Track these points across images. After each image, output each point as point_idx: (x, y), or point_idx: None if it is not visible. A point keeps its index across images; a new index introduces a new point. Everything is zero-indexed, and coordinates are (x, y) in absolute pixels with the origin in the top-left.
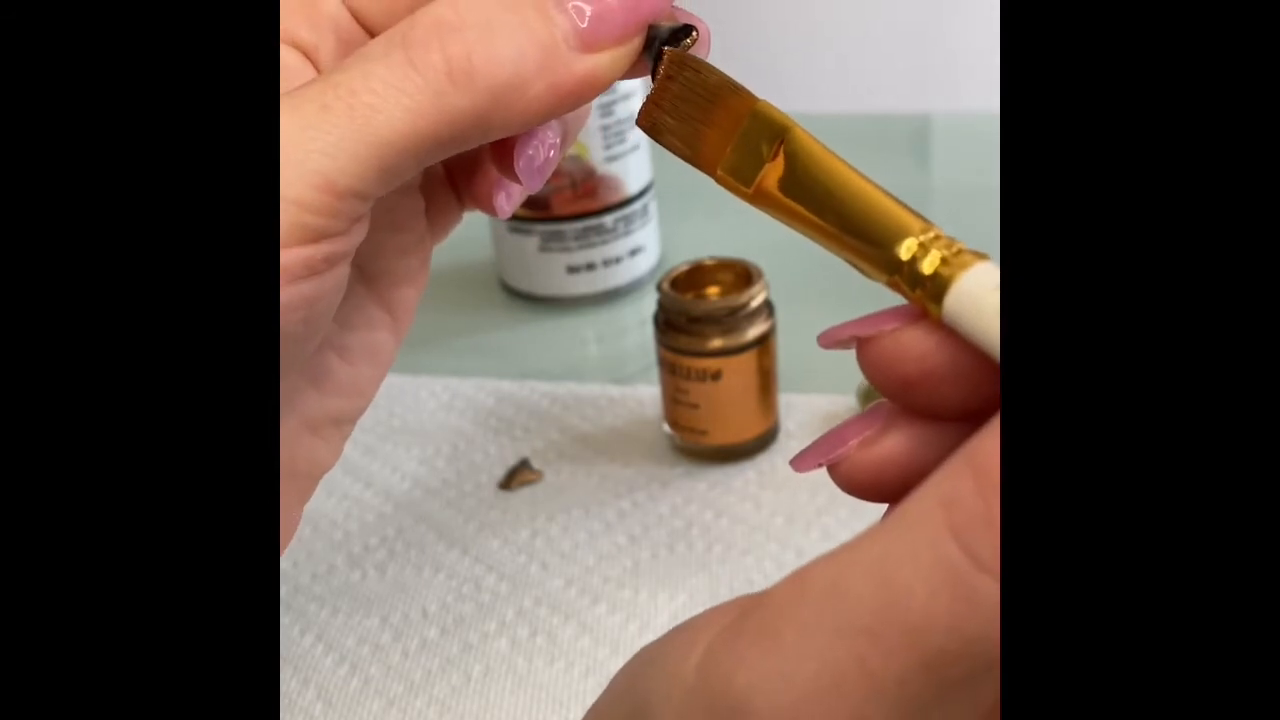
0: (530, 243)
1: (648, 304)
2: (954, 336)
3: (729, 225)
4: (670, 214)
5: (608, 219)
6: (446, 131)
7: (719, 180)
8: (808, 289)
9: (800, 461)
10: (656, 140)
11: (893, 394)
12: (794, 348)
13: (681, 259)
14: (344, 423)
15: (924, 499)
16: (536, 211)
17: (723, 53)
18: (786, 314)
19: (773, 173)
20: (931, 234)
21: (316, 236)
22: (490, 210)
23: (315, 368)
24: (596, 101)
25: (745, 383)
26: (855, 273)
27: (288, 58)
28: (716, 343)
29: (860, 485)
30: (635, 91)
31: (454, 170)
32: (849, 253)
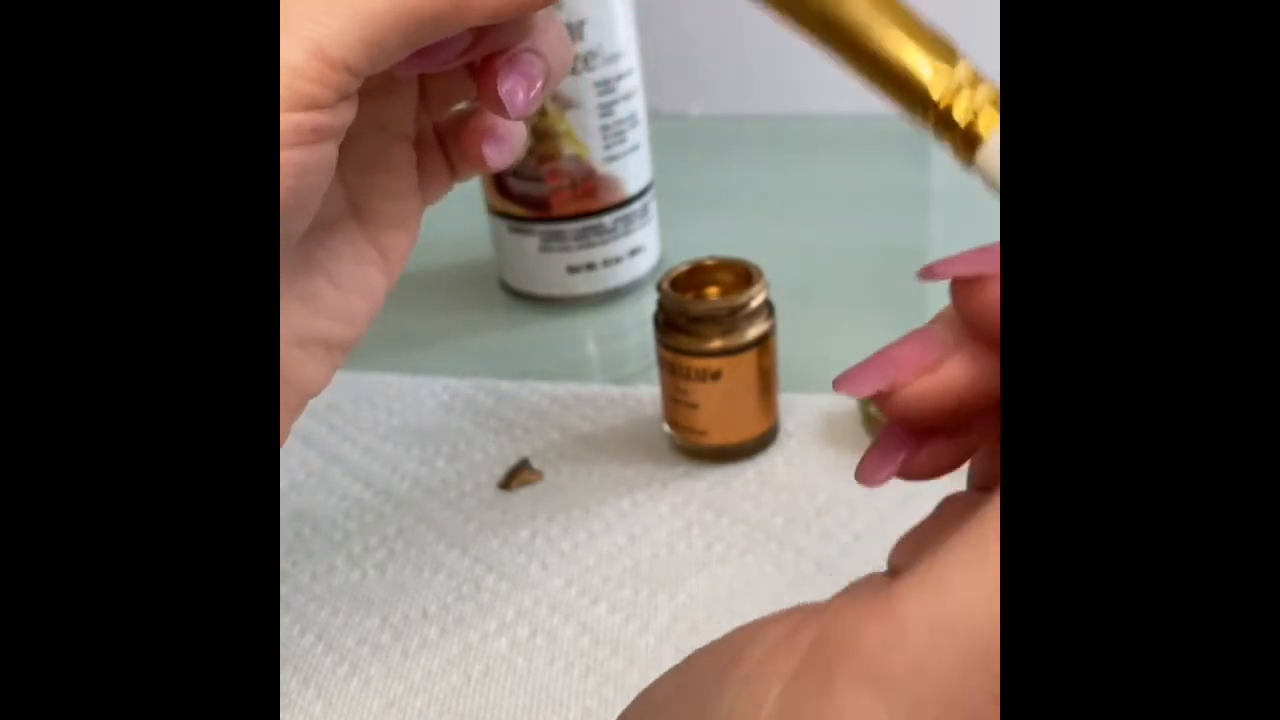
0: (530, 243)
1: (648, 304)
2: (991, 360)
3: (729, 225)
4: (670, 214)
5: (608, 219)
6: (429, 9)
7: None
8: (808, 289)
9: (851, 384)
10: None
11: (930, 426)
12: (794, 348)
13: (681, 259)
14: (334, 349)
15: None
16: (536, 211)
17: (724, 51)
18: (786, 314)
19: None
20: (969, 75)
21: (308, 105)
22: (480, 163)
23: (304, 287)
24: (596, 101)
25: (745, 383)
26: (855, 273)
27: None
28: (716, 343)
29: (917, 416)
30: (635, 91)
31: (445, 136)
32: (890, 91)
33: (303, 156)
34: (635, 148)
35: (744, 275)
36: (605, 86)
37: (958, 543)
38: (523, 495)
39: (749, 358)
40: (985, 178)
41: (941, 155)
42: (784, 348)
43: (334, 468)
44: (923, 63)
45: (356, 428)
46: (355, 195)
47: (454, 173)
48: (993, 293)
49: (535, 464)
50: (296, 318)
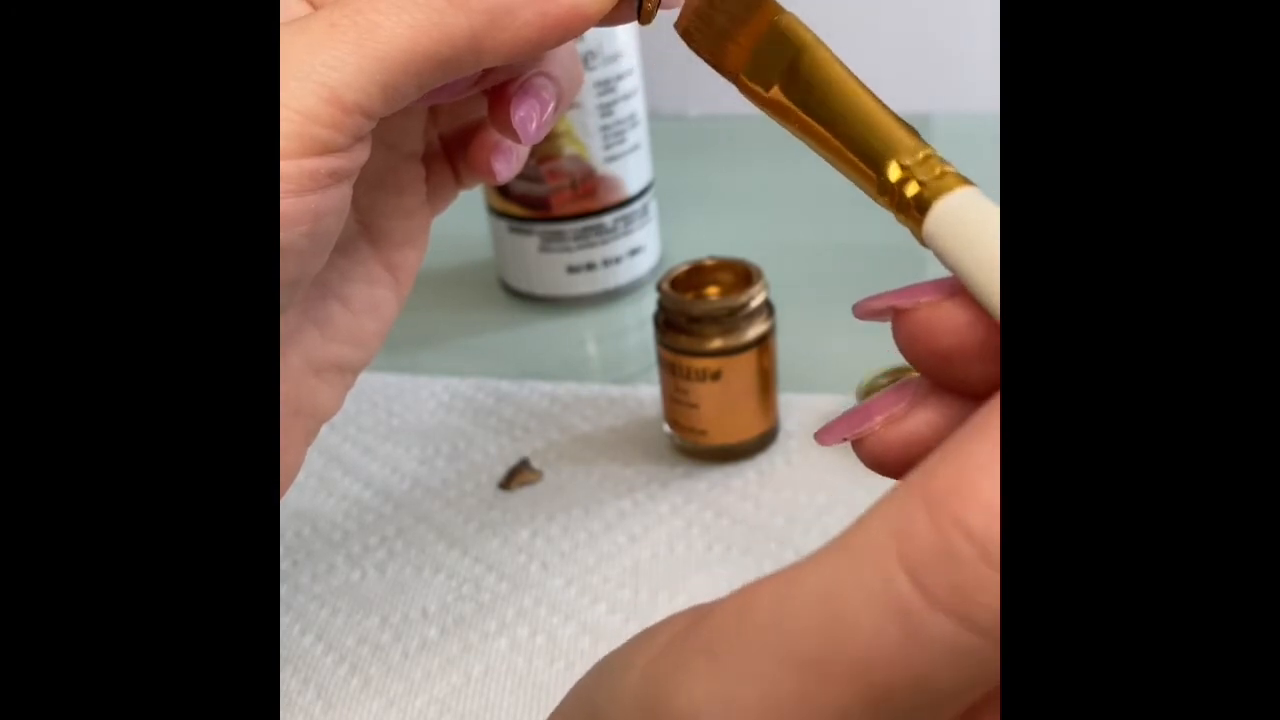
0: (530, 243)
1: (648, 304)
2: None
3: (729, 225)
4: (670, 214)
5: (608, 219)
6: (445, 50)
7: (740, 85)
8: (808, 289)
9: (827, 435)
10: (689, 45)
11: (926, 368)
12: (794, 348)
13: (681, 259)
14: (346, 371)
15: (875, 528)
16: (536, 211)
17: None
18: (786, 314)
19: (786, 82)
20: (921, 155)
21: (322, 149)
22: (489, 176)
23: (319, 312)
24: (596, 102)
25: (745, 383)
26: (855, 272)
27: (295, 7)
28: (716, 343)
29: (886, 462)
30: (635, 91)
31: (451, 146)
32: (851, 171)
33: (318, 201)
34: (635, 148)
35: (744, 275)
36: (605, 86)
37: (831, 542)
38: (523, 495)
39: (749, 358)
40: (933, 246)
41: (941, 155)
42: (784, 348)
43: (334, 468)
44: (897, 132)
45: (356, 428)
46: (366, 217)
47: (460, 181)
48: (906, 324)
49: (535, 464)
50: (312, 345)
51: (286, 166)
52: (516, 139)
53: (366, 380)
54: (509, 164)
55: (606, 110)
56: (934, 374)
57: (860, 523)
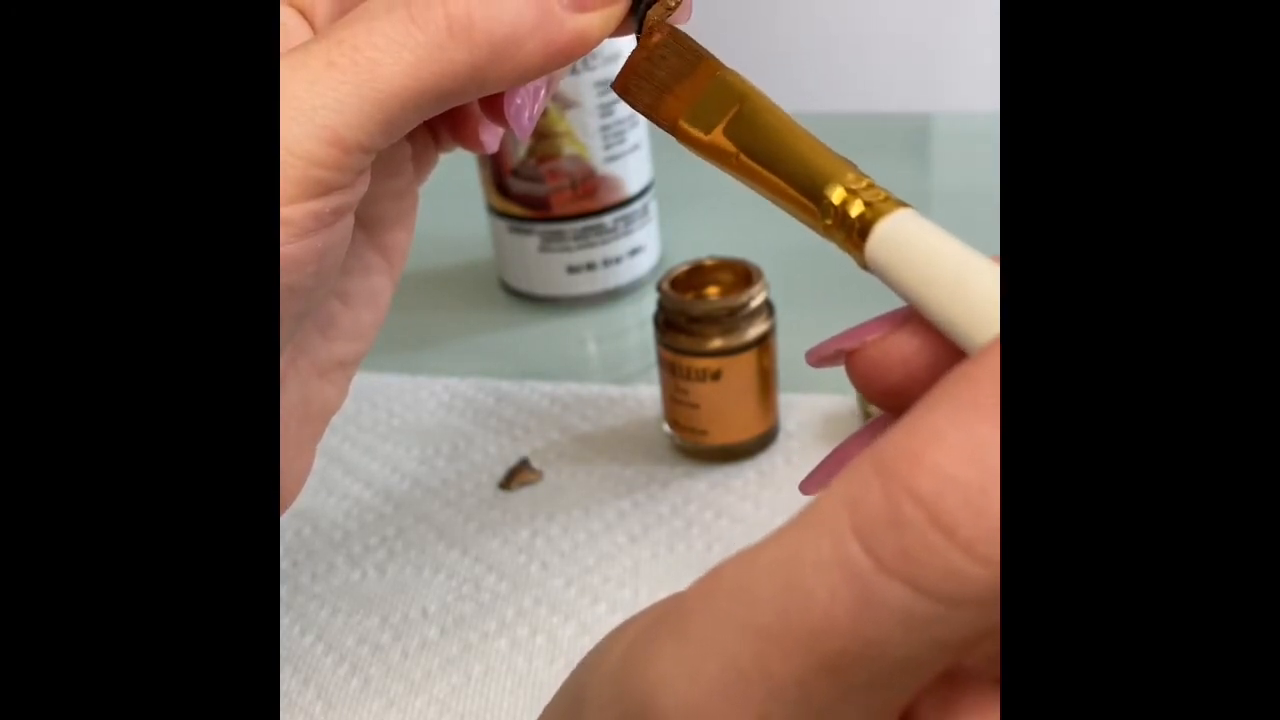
0: (530, 243)
1: (648, 304)
2: (936, 337)
3: (729, 225)
4: (670, 214)
5: (608, 219)
6: (447, 84)
7: (679, 131)
8: (808, 289)
9: (809, 484)
10: (626, 100)
11: (886, 404)
12: (794, 348)
13: (681, 259)
14: (348, 365)
15: (830, 499)
16: (536, 211)
17: (723, 51)
18: (786, 314)
19: (728, 127)
20: (863, 183)
21: (325, 190)
22: (479, 147)
23: (321, 316)
24: (596, 102)
25: (745, 383)
26: (856, 273)
27: (286, 17)
28: (716, 343)
29: None
30: None
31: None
32: (792, 204)
33: (324, 239)
34: (635, 148)
35: (744, 275)
36: (605, 86)
37: (794, 520)
38: (523, 495)
39: (749, 358)
40: (879, 266)
41: (941, 155)
42: (784, 348)
43: (334, 468)
44: (836, 162)
45: (356, 428)
46: (360, 209)
47: (440, 146)
48: (857, 365)
49: (535, 464)
50: (316, 350)
51: (290, 211)
52: (510, 129)
53: (366, 380)
54: (496, 135)
55: (606, 110)
56: (893, 408)
57: (820, 495)
